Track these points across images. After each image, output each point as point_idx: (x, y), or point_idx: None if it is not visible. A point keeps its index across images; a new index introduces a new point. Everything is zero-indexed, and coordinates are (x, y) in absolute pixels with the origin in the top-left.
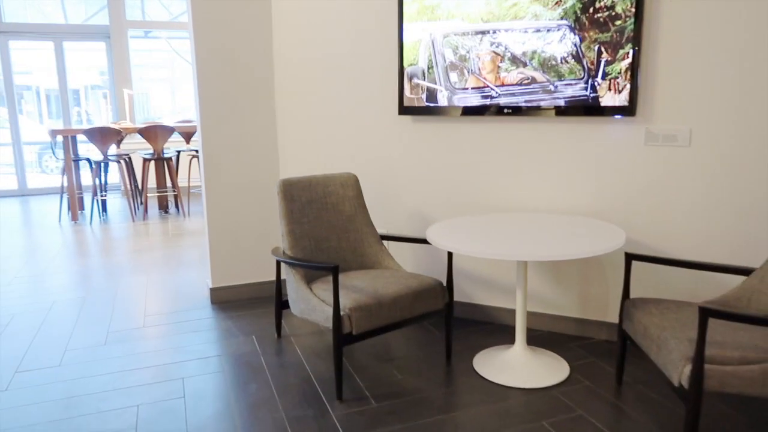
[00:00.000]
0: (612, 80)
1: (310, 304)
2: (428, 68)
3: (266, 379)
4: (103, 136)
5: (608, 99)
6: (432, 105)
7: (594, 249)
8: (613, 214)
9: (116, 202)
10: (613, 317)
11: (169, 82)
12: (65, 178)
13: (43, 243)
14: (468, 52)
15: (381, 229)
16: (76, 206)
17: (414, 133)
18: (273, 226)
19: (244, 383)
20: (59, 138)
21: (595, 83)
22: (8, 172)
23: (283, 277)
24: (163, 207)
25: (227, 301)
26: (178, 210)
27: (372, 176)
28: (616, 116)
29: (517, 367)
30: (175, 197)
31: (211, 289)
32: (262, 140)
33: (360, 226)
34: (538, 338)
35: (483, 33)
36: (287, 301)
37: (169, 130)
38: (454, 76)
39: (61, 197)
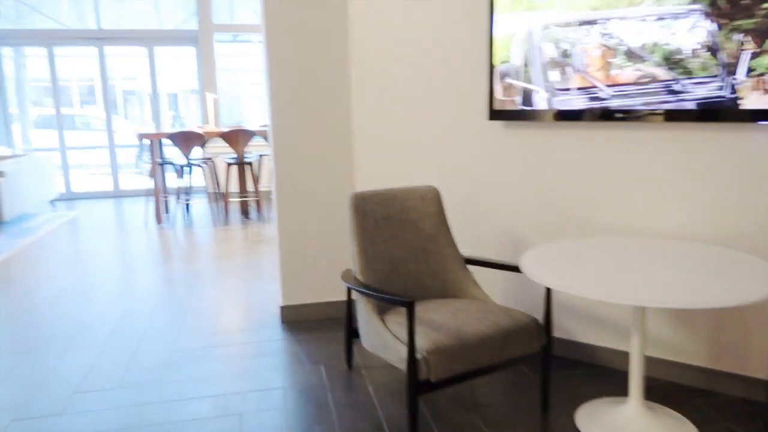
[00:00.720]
0: (758, 77)
1: (383, 340)
2: (524, 66)
3: (332, 421)
4: (186, 140)
5: (752, 101)
6: (527, 109)
7: (743, 294)
8: (756, 245)
9: (201, 206)
10: (756, 371)
11: (258, 86)
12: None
13: (125, 246)
14: (572, 46)
15: (465, 251)
16: (160, 209)
17: (505, 140)
18: (348, 242)
19: (308, 425)
20: (146, 141)
21: (735, 81)
22: (105, 173)
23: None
24: (245, 212)
25: (298, 320)
26: (259, 215)
27: (456, 190)
28: (762, 122)
29: (632, 429)
30: (257, 202)
31: (282, 308)
32: (336, 149)
33: (441, 247)
34: (657, 390)
35: (591, 23)
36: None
37: (250, 134)
38: (554, 75)
39: (147, 200)
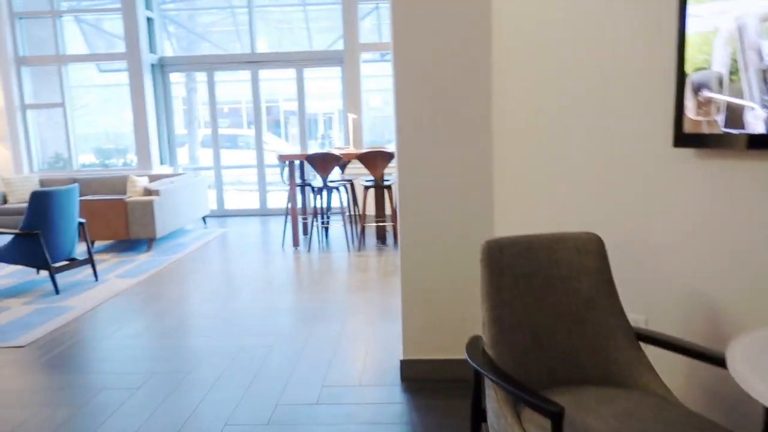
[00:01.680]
0: None
1: None
2: (730, 74)
3: None
4: (323, 161)
5: None
6: (734, 132)
7: None
8: None
9: (338, 229)
10: None
11: None
12: (297, 201)
13: (260, 270)
14: None
15: (635, 319)
16: (297, 232)
17: (698, 175)
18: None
19: None
20: (287, 162)
21: None
22: (254, 190)
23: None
24: (381, 237)
25: (420, 379)
26: (395, 242)
27: (622, 239)
28: None
29: None
30: (393, 227)
31: (402, 362)
32: (473, 183)
33: (604, 315)
34: None
35: None
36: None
37: (388, 156)
38: None
39: (286, 219)
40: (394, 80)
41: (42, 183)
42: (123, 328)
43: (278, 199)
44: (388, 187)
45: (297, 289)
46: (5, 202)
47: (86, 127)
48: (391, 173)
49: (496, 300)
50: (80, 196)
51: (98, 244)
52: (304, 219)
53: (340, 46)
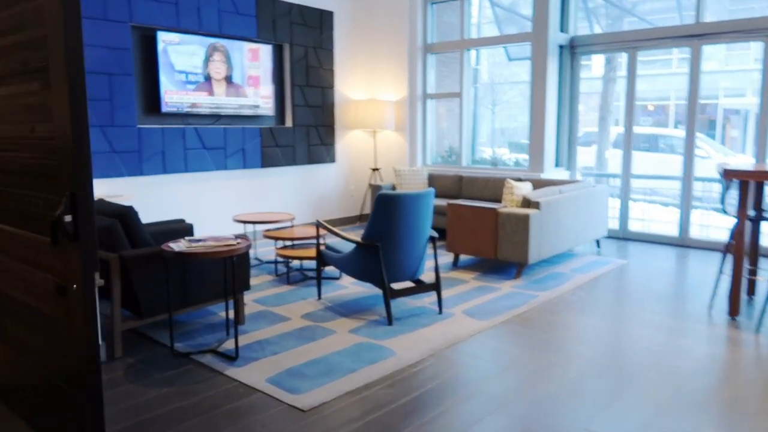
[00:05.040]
0: None
1: None
2: None
3: None
4: None
5: None
6: None
7: None
8: None
9: None
10: None
11: None
12: (738, 242)
13: (663, 352)
14: None
15: None
16: (738, 291)
17: None
18: None
19: None
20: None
21: None
22: (673, 212)
23: None
24: None
25: None
26: None
27: None
28: None
29: None
30: None
31: None
32: None
33: None
34: None
35: None
36: None
37: None
38: None
39: (721, 266)
40: None
41: (430, 178)
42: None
43: (708, 227)
44: None
45: (730, 413)
46: None
47: (505, 119)
48: None
49: None
50: (460, 196)
51: (462, 257)
52: (752, 270)
53: None
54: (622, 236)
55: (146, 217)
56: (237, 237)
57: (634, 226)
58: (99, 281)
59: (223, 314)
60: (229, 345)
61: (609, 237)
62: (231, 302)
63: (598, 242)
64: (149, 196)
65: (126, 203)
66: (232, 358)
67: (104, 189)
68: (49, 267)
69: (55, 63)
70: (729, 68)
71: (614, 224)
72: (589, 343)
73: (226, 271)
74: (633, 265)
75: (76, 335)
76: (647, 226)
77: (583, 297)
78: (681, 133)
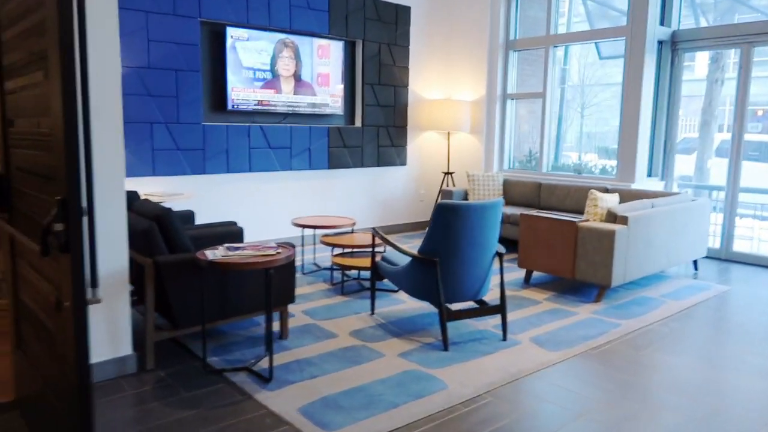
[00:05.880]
0: None
1: None
2: None
3: None
4: None
5: None
6: None
7: None
8: None
9: None
10: None
11: None
12: None
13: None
14: None
15: None
16: None
17: None
18: None
19: None
20: None
21: None
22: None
23: None
24: None
25: None
26: None
27: None
28: None
29: None
30: None
31: None
32: None
33: None
34: None
35: None
36: None
37: None
38: None
39: None
40: None
41: (505, 184)
42: None
43: None
44: None
45: None
46: (466, 200)
47: (594, 123)
48: None
49: None
50: (537, 206)
51: (536, 274)
52: None
53: None
54: (725, 257)
55: (206, 216)
56: (280, 245)
57: (739, 245)
58: (128, 286)
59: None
60: (265, 363)
61: (708, 257)
62: (276, 314)
63: (695, 263)
64: (211, 196)
65: (186, 202)
66: (266, 379)
67: (166, 187)
68: (52, 279)
69: (52, 50)
70: None
71: (715, 243)
72: (681, 390)
73: (267, 282)
74: (737, 292)
75: (66, 354)
76: (755, 247)
77: (676, 330)
78: None
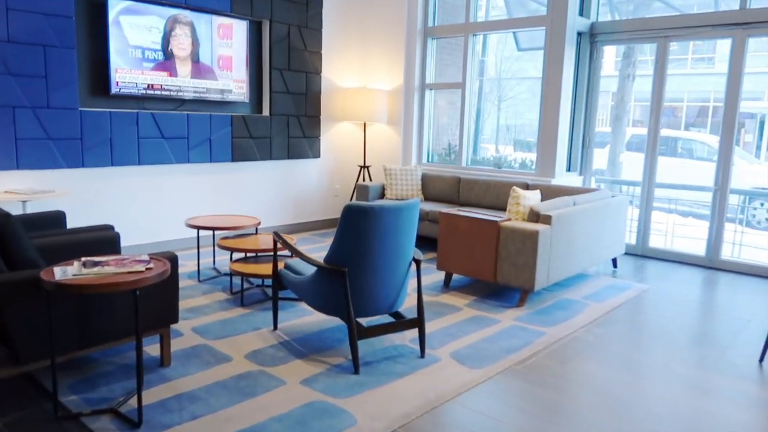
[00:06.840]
0: None
1: None
2: None
3: None
4: None
5: None
6: None
7: None
8: None
9: None
10: None
11: None
12: None
13: (695, 420)
14: None
15: None
16: None
17: None
18: None
19: None
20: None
21: None
22: (702, 227)
23: None
24: None
25: None
26: None
27: None
28: None
29: None
30: None
31: None
32: None
33: None
34: None
35: None
36: None
37: None
38: None
39: None
40: None
41: (423, 178)
42: None
43: (740, 246)
44: None
45: None
46: (382, 196)
47: (511, 116)
48: None
49: None
50: (457, 201)
51: (456, 277)
52: None
53: None
54: (641, 253)
55: (84, 218)
56: (154, 257)
57: (655, 242)
58: None
59: (149, 352)
60: (136, 401)
61: (626, 253)
62: (157, 336)
63: (614, 261)
64: (91, 193)
65: (58, 201)
66: (134, 423)
67: (35, 182)
68: None
69: None
70: (747, 70)
71: (632, 239)
72: (608, 407)
73: (135, 306)
74: (656, 291)
75: None
76: (669, 242)
77: (600, 337)
78: (705, 136)
